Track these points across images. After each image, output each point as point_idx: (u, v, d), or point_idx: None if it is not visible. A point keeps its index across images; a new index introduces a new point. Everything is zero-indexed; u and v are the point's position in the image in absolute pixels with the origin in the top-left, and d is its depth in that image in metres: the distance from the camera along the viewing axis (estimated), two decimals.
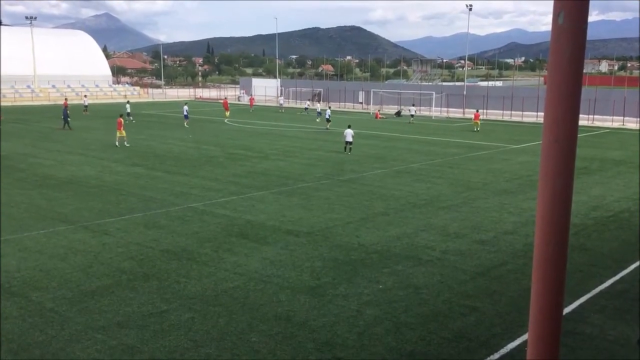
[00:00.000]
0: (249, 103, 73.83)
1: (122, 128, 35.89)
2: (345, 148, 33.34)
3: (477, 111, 50.46)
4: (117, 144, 35.51)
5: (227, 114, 56.31)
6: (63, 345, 10.09)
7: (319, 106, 59.98)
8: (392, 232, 17.38)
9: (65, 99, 51.74)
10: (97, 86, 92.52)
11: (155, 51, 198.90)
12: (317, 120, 54.71)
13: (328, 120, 48.25)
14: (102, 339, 10.29)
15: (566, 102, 2.32)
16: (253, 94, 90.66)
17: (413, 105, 61.06)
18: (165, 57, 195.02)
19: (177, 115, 59.67)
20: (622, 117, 56.43)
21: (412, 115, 57.47)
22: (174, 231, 17.23)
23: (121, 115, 38.39)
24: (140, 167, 28.35)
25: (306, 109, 65.27)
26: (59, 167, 28.25)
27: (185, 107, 50.41)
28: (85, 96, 68.11)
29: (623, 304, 12.32)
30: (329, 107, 52.87)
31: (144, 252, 15.17)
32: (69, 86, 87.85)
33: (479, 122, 48.42)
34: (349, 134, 33.12)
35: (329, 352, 9.99)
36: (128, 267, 14.06)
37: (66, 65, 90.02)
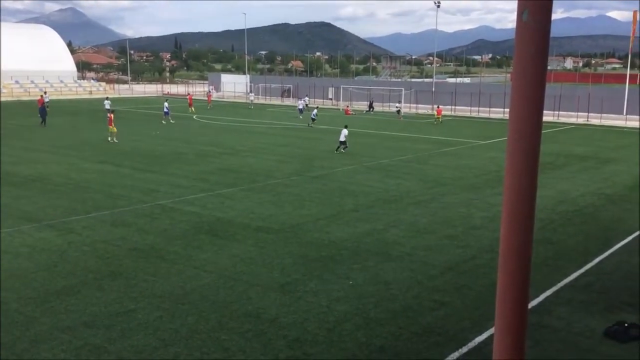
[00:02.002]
0: (207, 99, 71.01)
1: (112, 124, 35.89)
2: (337, 147, 32.77)
3: (439, 107, 54.97)
4: (112, 139, 35.61)
5: (192, 109, 56.50)
6: (28, 346, 9.90)
7: (300, 103, 58.85)
8: (362, 228, 17.45)
9: (41, 96, 50.77)
10: (61, 82, 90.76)
11: (122, 46, 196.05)
12: (300, 117, 54.19)
13: (313, 119, 48.31)
14: (68, 339, 10.12)
15: (531, 99, 2.34)
16: (222, 90, 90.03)
17: (399, 102, 61.35)
18: (132, 52, 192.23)
19: (145, 112, 58.98)
20: (586, 113, 57.61)
21: (398, 112, 58.65)
22: (142, 229, 17.02)
23: (112, 112, 38.11)
24: (107, 165, 27.93)
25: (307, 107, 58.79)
26: (23, 164, 27.63)
27: (166, 104, 50.09)
28: (45, 92, 65.45)
29: (588, 297, 12.58)
30: (317, 107, 53.79)
31: (111, 251, 14.95)
32: (32, 82, 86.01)
33: (439, 116, 52.21)
34: (342, 134, 32.72)
35: (299, 349, 9.99)
36: (94, 266, 13.84)
37: (30, 61, 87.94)
